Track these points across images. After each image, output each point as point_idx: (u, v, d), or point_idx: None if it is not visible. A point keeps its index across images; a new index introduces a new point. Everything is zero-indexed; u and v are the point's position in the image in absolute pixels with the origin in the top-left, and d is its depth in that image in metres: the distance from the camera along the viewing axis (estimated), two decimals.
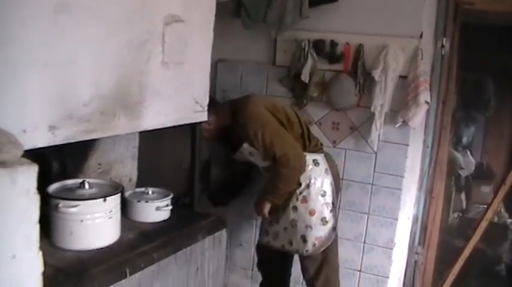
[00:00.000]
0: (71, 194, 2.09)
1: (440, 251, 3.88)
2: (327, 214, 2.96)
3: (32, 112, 1.68)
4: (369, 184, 3.34)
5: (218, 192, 3.55)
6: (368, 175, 3.33)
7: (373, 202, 3.33)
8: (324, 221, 2.94)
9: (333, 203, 2.98)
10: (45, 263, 1.70)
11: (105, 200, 2.05)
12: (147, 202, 2.40)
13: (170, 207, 2.45)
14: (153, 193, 2.50)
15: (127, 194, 2.46)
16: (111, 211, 2.09)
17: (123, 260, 2.01)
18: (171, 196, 2.48)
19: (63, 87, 1.79)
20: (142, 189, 2.53)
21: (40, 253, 1.65)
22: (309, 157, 2.95)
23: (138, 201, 2.41)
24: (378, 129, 3.21)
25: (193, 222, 2.49)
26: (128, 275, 1.97)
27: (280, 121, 2.94)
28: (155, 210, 2.40)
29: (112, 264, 1.97)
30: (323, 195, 2.95)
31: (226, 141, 3.16)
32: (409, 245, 3.79)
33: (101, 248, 2.07)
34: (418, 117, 3.15)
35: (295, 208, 2.97)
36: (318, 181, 2.95)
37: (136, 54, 2.09)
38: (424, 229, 3.79)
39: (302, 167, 2.89)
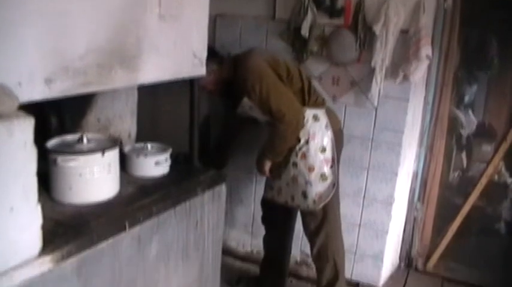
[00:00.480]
0: (69, 149, 2.09)
1: (439, 208, 3.90)
2: (327, 170, 2.97)
3: (27, 65, 1.66)
4: (369, 139, 3.33)
5: (215, 154, 3.53)
6: (368, 131, 3.32)
7: (373, 158, 3.33)
8: (323, 177, 2.95)
9: (333, 159, 2.97)
10: (45, 217, 1.71)
11: (103, 154, 2.04)
12: (146, 156, 2.40)
13: (169, 162, 2.45)
14: (152, 148, 2.50)
15: (126, 149, 2.45)
16: (109, 165, 2.09)
17: (123, 213, 2.02)
18: (170, 150, 2.48)
19: (59, 39, 1.75)
20: (141, 144, 2.53)
21: (39, 206, 1.65)
22: (309, 112, 2.94)
23: (137, 156, 2.40)
24: (379, 85, 3.18)
25: (193, 176, 2.48)
26: (127, 228, 1.98)
27: (279, 76, 2.91)
28: (154, 165, 2.39)
29: (111, 217, 1.98)
30: (322, 151, 2.95)
31: (228, 96, 3.14)
32: (408, 201, 3.81)
33: (100, 202, 2.08)
34: (419, 72, 3.12)
35: (295, 164, 2.99)
36: (318, 137, 2.94)
37: (132, 6, 2.05)
38: (424, 185, 3.81)
39: (298, 123, 2.89)
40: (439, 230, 3.97)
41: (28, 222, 1.63)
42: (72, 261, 1.78)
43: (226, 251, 3.82)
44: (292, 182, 3.02)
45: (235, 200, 3.86)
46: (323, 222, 3.05)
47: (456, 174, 4.18)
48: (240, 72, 2.90)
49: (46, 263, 1.68)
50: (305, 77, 3.06)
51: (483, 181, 3.76)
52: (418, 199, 3.85)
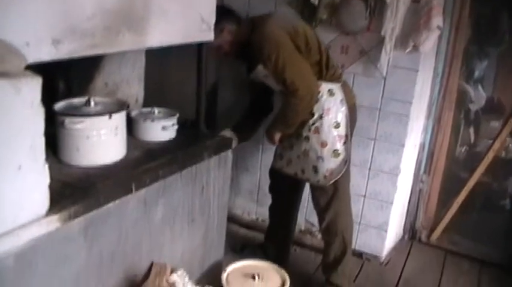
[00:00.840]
0: (77, 111, 2.09)
1: (445, 181, 3.90)
2: (339, 146, 2.92)
3: (35, 25, 1.65)
4: (377, 109, 3.32)
5: (242, 125, 3.28)
6: (376, 101, 3.30)
7: (380, 128, 3.32)
8: (335, 153, 2.91)
9: (346, 136, 2.93)
10: (52, 178, 1.73)
11: (110, 116, 2.05)
12: (153, 121, 2.40)
13: (176, 126, 2.45)
14: (159, 112, 2.50)
15: (133, 113, 2.46)
16: (116, 128, 2.09)
17: (129, 176, 2.03)
18: (177, 115, 2.48)
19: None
20: (149, 109, 2.53)
21: (46, 165, 1.66)
22: (324, 86, 2.88)
23: (144, 120, 2.40)
24: (388, 54, 3.16)
25: (199, 142, 2.49)
26: (133, 190, 1.99)
27: (297, 47, 2.81)
28: (161, 129, 2.40)
29: (118, 180, 1.99)
30: (336, 127, 2.89)
31: (243, 59, 3.06)
32: (414, 173, 3.81)
33: (107, 165, 2.09)
34: (430, 43, 3.09)
35: (307, 138, 2.93)
36: (332, 112, 2.88)
37: None
38: (431, 157, 3.81)
39: (312, 98, 2.82)
40: (444, 203, 3.97)
41: (36, 181, 1.65)
42: (79, 221, 1.80)
43: (231, 219, 3.84)
44: (304, 156, 2.97)
45: (241, 168, 3.86)
46: (333, 198, 3.02)
47: (463, 149, 4.16)
48: (257, 39, 2.79)
49: (53, 223, 1.70)
50: (324, 48, 2.95)
51: (490, 156, 3.74)
52: (424, 171, 3.85)
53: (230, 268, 2.77)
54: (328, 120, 2.88)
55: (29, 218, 1.64)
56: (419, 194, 3.89)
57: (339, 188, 3.00)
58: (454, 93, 3.67)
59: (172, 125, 2.43)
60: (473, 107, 4.00)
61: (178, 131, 2.48)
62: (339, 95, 2.90)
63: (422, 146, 3.75)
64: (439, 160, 3.82)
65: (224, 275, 2.66)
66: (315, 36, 2.95)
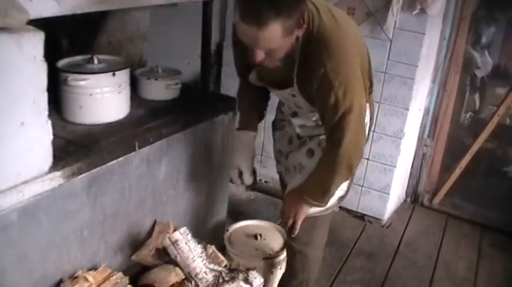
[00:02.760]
0: (80, 69, 2.09)
1: (449, 146, 3.89)
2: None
3: None
4: (382, 72, 3.28)
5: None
6: (381, 63, 3.27)
7: (385, 91, 3.30)
8: None
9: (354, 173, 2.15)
10: (56, 136, 1.73)
11: (114, 74, 2.04)
12: (156, 79, 2.39)
13: (179, 85, 2.44)
14: (163, 71, 2.48)
15: (137, 72, 2.44)
16: (120, 86, 2.09)
17: (133, 134, 2.04)
18: (181, 75, 2.47)
19: None
20: (153, 67, 2.51)
21: (49, 122, 1.67)
22: None
23: (148, 78, 2.39)
24: (395, 16, 3.11)
25: (203, 101, 2.49)
26: (137, 148, 2.00)
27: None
28: (165, 88, 2.39)
29: (121, 137, 2.00)
30: None
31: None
32: (418, 137, 3.80)
33: (111, 123, 2.09)
34: (437, 5, 3.05)
35: (310, 152, 2.18)
36: None
37: None
38: (435, 121, 3.79)
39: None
40: (447, 167, 3.98)
41: (39, 137, 1.65)
42: (82, 178, 1.81)
43: None
44: (299, 169, 2.24)
45: None
46: (313, 226, 2.28)
47: (468, 115, 4.14)
48: (324, 71, 1.79)
49: (56, 179, 1.71)
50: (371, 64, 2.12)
51: (494, 121, 3.72)
52: (428, 135, 3.83)
53: (233, 227, 2.80)
54: None
55: (32, 175, 1.65)
56: (423, 158, 3.89)
57: (321, 224, 2.32)
58: (461, 58, 3.63)
59: (176, 84, 2.42)
60: (480, 73, 3.95)
61: (182, 90, 2.47)
62: (366, 118, 2.10)
63: (427, 110, 3.73)
64: (443, 125, 3.81)
65: (227, 235, 2.69)
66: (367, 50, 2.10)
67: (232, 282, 1.97)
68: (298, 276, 2.36)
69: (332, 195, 2.06)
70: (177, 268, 2.12)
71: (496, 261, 3.40)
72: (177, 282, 2.09)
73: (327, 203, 2.08)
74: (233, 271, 2.10)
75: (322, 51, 1.79)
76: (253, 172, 2.39)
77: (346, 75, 1.80)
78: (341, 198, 2.24)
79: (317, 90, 1.84)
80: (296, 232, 2.15)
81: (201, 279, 2.04)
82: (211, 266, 2.10)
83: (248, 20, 1.63)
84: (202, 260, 2.08)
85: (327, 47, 1.79)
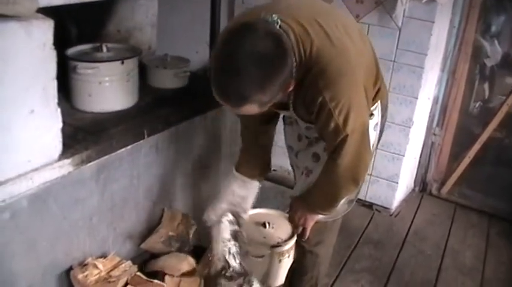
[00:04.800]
0: (89, 57, 2.09)
1: (458, 135, 3.87)
2: None
3: None
4: (391, 61, 3.26)
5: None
6: (390, 52, 3.25)
7: (394, 79, 3.28)
8: None
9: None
10: (65, 123, 1.74)
11: (122, 62, 2.05)
12: (165, 68, 2.40)
13: (188, 74, 2.44)
14: (171, 59, 2.49)
15: (145, 60, 2.45)
16: (128, 74, 2.10)
17: (141, 122, 2.05)
18: (189, 63, 2.47)
19: None
20: (161, 55, 2.52)
21: (59, 109, 1.68)
22: None
23: (157, 67, 2.40)
24: (404, 4, 3.09)
25: (211, 89, 2.48)
26: (145, 136, 2.01)
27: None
28: (173, 76, 2.40)
29: (130, 125, 2.01)
30: None
31: None
32: (427, 126, 3.79)
33: (120, 111, 2.10)
34: None
35: (316, 156, 2.04)
36: None
37: None
38: (444, 110, 3.77)
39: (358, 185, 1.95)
40: (455, 156, 3.96)
41: (48, 125, 1.66)
42: (92, 166, 1.82)
43: None
44: (302, 173, 2.15)
45: None
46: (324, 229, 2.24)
47: (477, 104, 4.10)
48: (322, 99, 1.64)
49: (66, 167, 1.73)
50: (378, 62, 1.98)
51: (503, 110, 3.70)
52: (437, 124, 3.82)
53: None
54: None
55: (42, 162, 1.67)
56: (431, 147, 3.88)
57: (331, 227, 2.27)
58: (470, 46, 3.61)
59: (185, 72, 2.43)
60: (489, 63, 3.91)
61: (190, 77, 2.48)
62: (376, 117, 2.03)
63: (435, 99, 3.72)
64: (452, 114, 3.79)
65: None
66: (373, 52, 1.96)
67: (230, 280, 1.95)
68: (308, 273, 2.36)
69: (339, 205, 2.01)
70: (189, 257, 2.13)
71: (503, 250, 3.39)
72: (188, 271, 2.10)
73: (334, 211, 2.04)
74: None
75: (318, 80, 1.63)
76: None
77: (346, 101, 1.65)
78: (351, 201, 2.14)
79: (316, 116, 1.71)
80: (306, 237, 2.15)
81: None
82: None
83: (221, 99, 1.56)
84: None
85: (323, 75, 1.63)
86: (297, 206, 2.10)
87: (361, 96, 1.74)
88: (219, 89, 1.54)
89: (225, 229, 2.01)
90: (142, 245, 2.18)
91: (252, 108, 1.55)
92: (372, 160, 1.89)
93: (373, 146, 1.99)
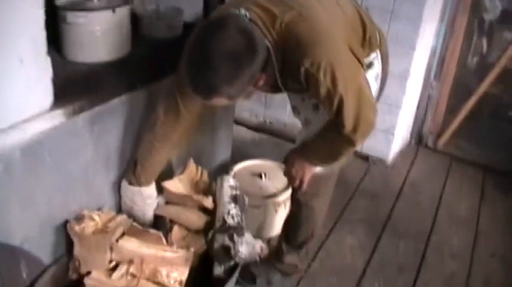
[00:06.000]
0: (79, 6, 2.04)
1: (454, 88, 3.86)
2: None
3: None
4: (389, 11, 3.21)
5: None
6: (388, 2, 3.19)
7: (391, 30, 3.23)
8: None
9: None
10: (56, 74, 1.71)
11: (114, 11, 1.99)
12: (158, 18, 2.35)
13: (181, 24, 2.40)
14: (164, 9, 2.43)
15: (138, 10, 2.39)
16: (121, 24, 2.05)
17: (134, 72, 2.02)
18: (183, 12, 2.42)
19: None
20: (154, 5, 2.46)
21: (48, 59, 1.65)
22: (365, 61, 1.99)
23: (149, 17, 2.35)
24: None
25: None
26: (139, 86, 1.98)
27: (358, 59, 1.83)
28: (166, 26, 2.35)
29: (123, 75, 1.98)
30: None
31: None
32: (424, 78, 3.76)
33: (112, 61, 2.06)
34: None
35: (316, 106, 2.03)
36: None
37: None
38: (441, 63, 3.74)
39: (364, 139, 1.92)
40: (452, 109, 3.95)
41: (39, 74, 1.64)
42: (84, 116, 1.80)
43: (239, 121, 3.86)
44: (306, 125, 2.14)
45: None
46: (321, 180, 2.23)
47: (475, 59, 4.08)
48: (304, 69, 1.68)
49: (58, 117, 1.71)
50: (362, 14, 1.98)
51: (501, 64, 3.67)
52: (434, 76, 3.79)
53: (237, 166, 2.81)
54: None
55: (34, 113, 1.65)
56: (428, 99, 3.86)
57: (328, 178, 2.28)
58: None
59: (178, 22, 2.38)
60: (488, 17, 3.87)
61: (184, 28, 2.43)
62: (376, 67, 2.07)
63: (433, 51, 3.68)
64: (449, 66, 3.76)
65: (231, 174, 2.69)
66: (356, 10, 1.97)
67: (221, 234, 1.95)
68: (303, 225, 2.36)
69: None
70: (202, 214, 2.12)
71: (498, 203, 3.42)
72: (197, 227, 2.11)
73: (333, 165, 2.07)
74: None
75: (295, 53, 1.68)
76: None
77: (328, 63, 1.66)
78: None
79: (307, 87, 1.75)
80: (303, 190, 2.15)
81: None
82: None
83: (192, 90, 1.65)
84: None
85: (298, 47, 1.68)
86: (294, 159, 2.08)
87: (344, 53, 1.75)
88: (190, 80, 1.63)
89: (226, 193, 2.02)
90: (164, 184, 2.16)
91: (221, 101, 1.66)
92: (377, 113, 1.85)
93: (375, 97, 2.00)
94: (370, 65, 2.00)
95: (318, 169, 2.10)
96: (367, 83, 1.82)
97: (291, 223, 2.43)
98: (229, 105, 1.72)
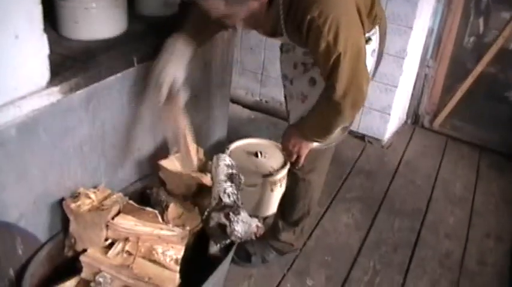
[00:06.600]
0: None
1: (451, 67, 3.86)
2: None
3: None
4: None
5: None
6: None
7: (389, 9, 3.21)
8: None
9: None
10: (52, 51, 1.69)
11: None
12: None
13: (178, 1, 2.38)
14: None
15: None
16: (117, 0, 2.03)
17: (130, 49, 1.99)
18: None
19: None
20: None
21: (45, 35, 1.63)
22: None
23: None
24: None
25: None
26: (135, 64, 1.96)
27: (359, 13, 1.81)
28: (163, 3, 2.33)
29: (119, 52, 1.95)
30: None
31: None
32: (421, 58, 3.76)
33: (108, 38, 2.04)
34: None
35: (312, 81, 2.04)
36: None
37: None
38: (438, 42, 3.73)
39: (359, 108, 1.95)
40: (448, 89, 3.95)
41: (34, 51, 1.61)
42: (81, 93, 1.78)
43: (235, 100, 3.86)
44: (301, 98, 2.11)
45: (244, 48, 3.79)
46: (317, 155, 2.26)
47: (471, 39, 4.08)
48: (310, 18, 1.67)
49: (54, 94, 1.69)
50: None
51: (498, 43, 3.66)
52: (431, 56, 3.78)
53: (233, 145, 2.80)
54: None
55: (30, 90, 1.63)
56: (425, 79, 3.86)
57: (324, 153, 2.30)
58: None
59: None
60: None
61: (180, 6, 2.41)
62: (373, 43, 2.05)
63: (430, 30, 3.67)
64: (446, 46, 3.75)
65: (227, 153, 2.69)
66: None
67: (217, 212, 1.95)
68: (300, 201, 2.38)
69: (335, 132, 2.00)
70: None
71: (493, 182, 3.44)
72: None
73: (329, 139, 2.06)
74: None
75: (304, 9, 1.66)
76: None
77: (335, 18, 1.65)
78: (345, 128, 2.18)
79: (307, 37, 1.72)
80: (300, 165, 2.16)
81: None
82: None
83: None
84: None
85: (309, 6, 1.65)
86: (291, 134, 2.10)
87: (352, 15, 1.74)
88: None
89: (222, 171, 2.02)
90: (161, 162, 2.15)
91: (217, 3, 1.62)
92: (369, 87, 1.85)
93: (370, 72, 2.01)
94: (368, 40, 1.98)
95: (315, 145, 2.10)
96: (366, 53, 1.81)
97: (287, 199, 2.45)
98: (226, 20, 1.72)
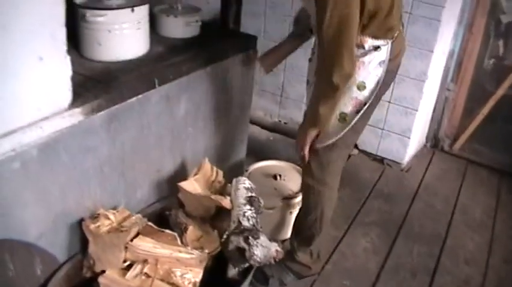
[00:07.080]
0: (98, 4, 2.04)
1: (472, 91, 3.82)
2: (350, 110, 2.10)
3: None
4: (407, 12, 3.18)
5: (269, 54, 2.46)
6: (406, 3, 3.15)
7: (409, 33, 3.19)
8: (341, 116, 2.12)
9: (364, 103, 2.09)
10: (75, 72, 1.71)
11: (133, 10, 2.00)
12: (176, 17, 2.35)
13: (199, 23, 2.39)
14: (182, 8, 2.43)
15: (156, 9, 2.39)
16: (139, 22, 2.05)
17: (152, 71, 2.01)
18: (201, 11, 2.42)
19: None
20: (172, 4, 2.46)
21: (68, 57, 1.65)
22: (372, 42, 2.02)
23: (167, 15, 2.35)
24: None
25: (223, 39, 2.44)
26: (156, 85, 1.98)
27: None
28: (184, 25, 2.35)
29: (141, 74, 1.97)
30: (360, 88, 2.08)
31: None
32: (441, 81, 3.73)
33: (130, 60, 2.07)
34: None
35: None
36: (365, 69, 2.06)
37: None
38: (459, 65, 3.71)
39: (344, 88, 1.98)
40: (469, 112, 3.91)
41: (58, 73, 1.64)
42: (102, 115, 1.80)
43: (254, 121, 3.85)
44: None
45: None
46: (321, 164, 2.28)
47: (491, 61, 4.04)
48: None
49: (76, 115, 1.71)
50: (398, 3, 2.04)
51: None
52: (452, 79, 3.76)
53: (252, 167, 2.80)
54: (354, 77, 2.02)
55: (52, 111, 1.65)
56: (445, 102, 3.82)
57: (334, 159, 2.28)
58: (488, 0, 3.52)
59: (196, 21, 2.38)
60: (505, 19, 3.83)
61: (202, 27, 2.43)
62: (383, 54, 2.04)
63: (451, 53, 3.64)
64: (467, 69, 3.72)
65: (246, 175, 2.69)
66: None
67: (236, 236, 1.94)
68: (311, 213, 2.37)
69: (326, 118, 2.04)
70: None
71: None
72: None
73: (323, 126, 2.08)
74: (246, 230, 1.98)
75: None
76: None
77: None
78: (342, 119, 2.11)
79: None
80: (306, 159, 2.19)
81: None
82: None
83: None
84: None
85: None
86: (298, 129, 2.22)
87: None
88: None
89: (241, 194, 2.02)
90: (180, 184, 2.14)
91: None
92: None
93: (378, 83, 2.06)
94: (377, 47, 2.02)
95: (318, 143, 2.14)
96: (357, 20, 1.86)
97: (299, 213, 2.47)
98: None
